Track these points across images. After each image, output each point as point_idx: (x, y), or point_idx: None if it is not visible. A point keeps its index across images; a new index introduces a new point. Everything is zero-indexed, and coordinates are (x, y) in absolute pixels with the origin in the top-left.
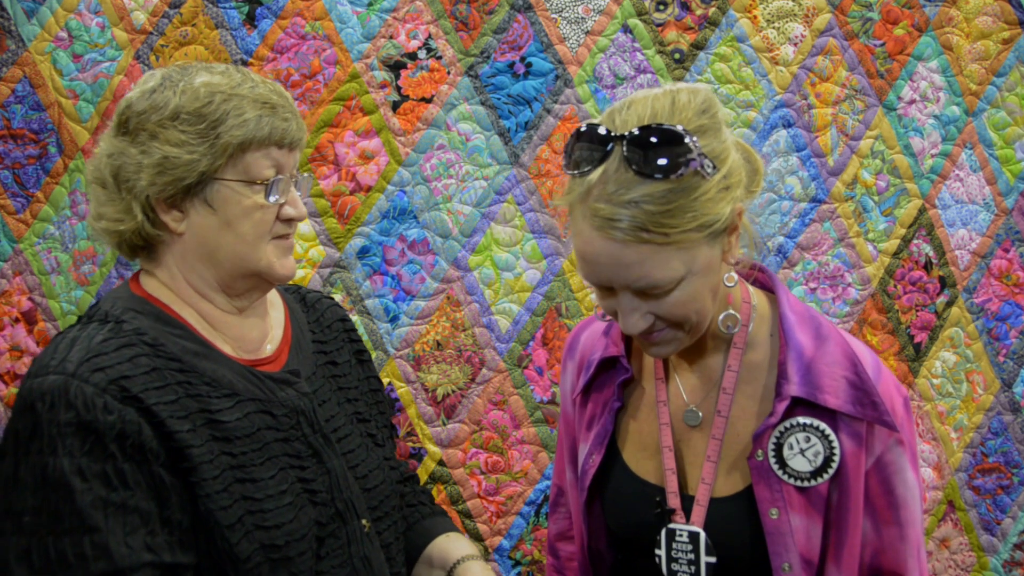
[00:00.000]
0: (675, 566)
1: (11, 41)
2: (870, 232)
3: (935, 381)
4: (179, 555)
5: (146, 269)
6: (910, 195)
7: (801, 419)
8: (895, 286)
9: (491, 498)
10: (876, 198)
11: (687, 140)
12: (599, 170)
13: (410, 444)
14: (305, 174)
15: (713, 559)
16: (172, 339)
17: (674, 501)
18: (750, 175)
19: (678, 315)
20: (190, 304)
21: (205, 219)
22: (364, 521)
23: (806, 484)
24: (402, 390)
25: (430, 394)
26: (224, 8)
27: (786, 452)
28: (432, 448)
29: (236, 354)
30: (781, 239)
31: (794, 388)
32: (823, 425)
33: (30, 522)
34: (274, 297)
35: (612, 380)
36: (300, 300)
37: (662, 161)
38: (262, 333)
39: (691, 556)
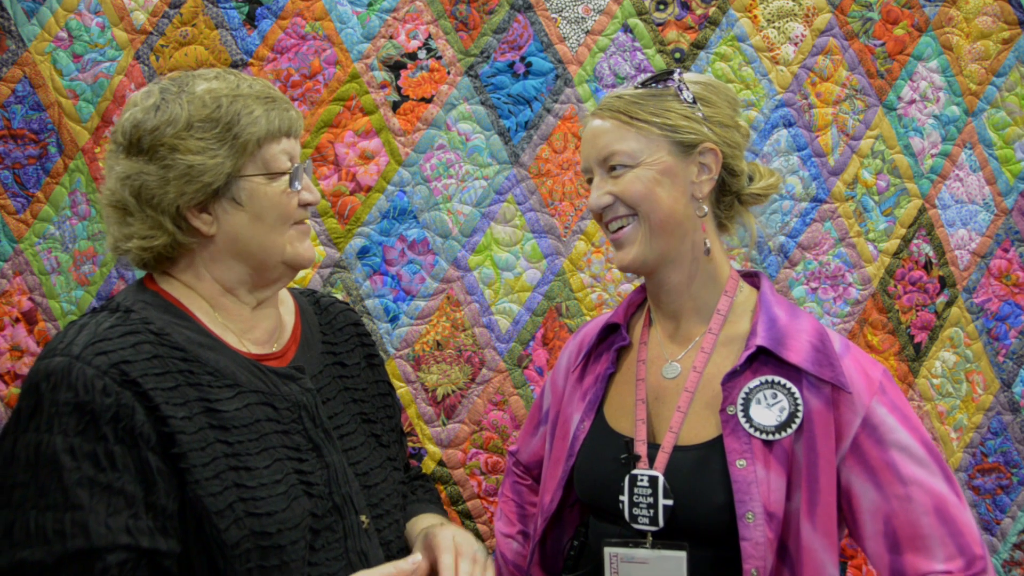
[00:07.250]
0: (636, 511)
1: (11, 41)
2: (870, 232)
3: (935, 381)
4: (159, 541)
5: (163, 272)
6: (910, 195)
7: (769, 377)
8: (895, 286)
9: (491, 498)
10: (876, 198)
11: (675, 74)
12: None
13: (410, 444)
14: (307, 160)
15: (670, 502)
16: (179, 330)
17: (641, 449)
18: (738, 132)
19: (630, 195)
20: (210, 301)
21: (235, 217)
22: (363, 517)
23: (771, 437)
24: (402, 390)
25: (430, 394)
26: (224, 8)
27: (753, 407)
28: (432, 448)
29: (244, 348)
30: (782, 239)
31: (759, 339)
32: (789, 383)
33: (18, 496)
34: (285, 296)
35: (609, 350)
36: (314, 303)
37: (651, 80)
38: (273, 326)
39: (650, 500)
